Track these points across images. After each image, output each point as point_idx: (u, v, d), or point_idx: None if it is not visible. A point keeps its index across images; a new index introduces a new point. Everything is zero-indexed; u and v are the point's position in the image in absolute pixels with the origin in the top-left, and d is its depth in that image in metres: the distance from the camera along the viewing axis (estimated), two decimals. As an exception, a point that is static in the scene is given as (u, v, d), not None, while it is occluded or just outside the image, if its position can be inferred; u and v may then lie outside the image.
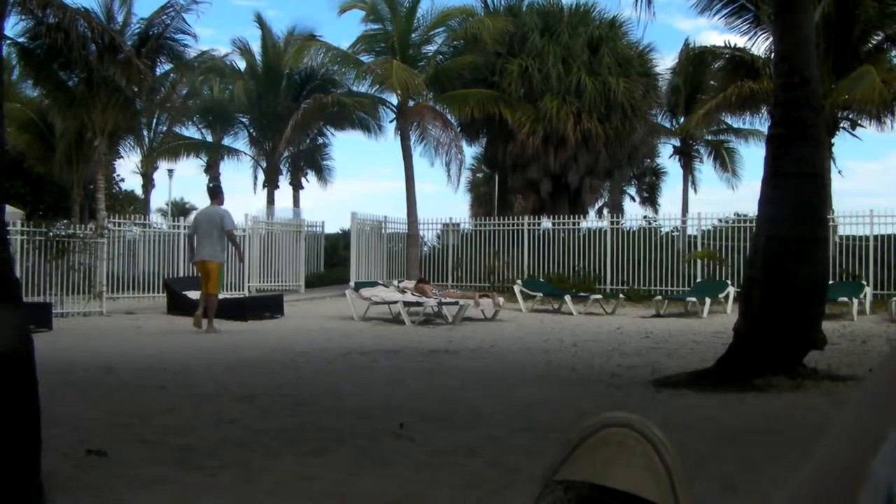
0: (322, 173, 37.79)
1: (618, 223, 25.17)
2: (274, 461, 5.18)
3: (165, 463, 5.10)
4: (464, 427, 6.27)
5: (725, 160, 37.18)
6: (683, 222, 25.84)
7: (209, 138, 37.02)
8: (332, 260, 30.24)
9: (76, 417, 6.41)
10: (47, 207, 31.36)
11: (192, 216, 19.89)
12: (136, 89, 25.29)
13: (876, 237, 20.73)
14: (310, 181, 38.27)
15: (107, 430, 6.06)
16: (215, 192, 14.93)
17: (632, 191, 47.33)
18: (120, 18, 25.88)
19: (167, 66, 27.03)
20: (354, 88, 29.06)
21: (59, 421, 5.79)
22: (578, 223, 25.26)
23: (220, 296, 15.55)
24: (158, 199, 68.45)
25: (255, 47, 34.29)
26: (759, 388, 7.76)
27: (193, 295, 17.97)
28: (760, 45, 24.83)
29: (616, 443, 0.73)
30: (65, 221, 21.39)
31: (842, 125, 24.30)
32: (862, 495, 0.50)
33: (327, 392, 7.99)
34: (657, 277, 22.48)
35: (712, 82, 30.16)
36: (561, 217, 25.07)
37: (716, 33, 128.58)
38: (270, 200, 33.53)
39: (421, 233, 26.86)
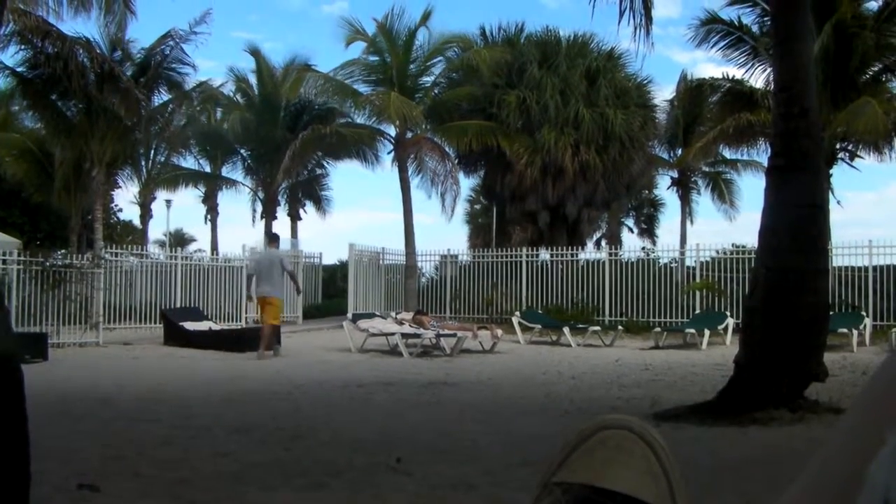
0: (320, 204, 37.82)
1: (616, 254, 25.15)
2: (269, 495, 5.11)
3: (159, 497, 5.03)
4: (462, 461, 6.20)
5: (723, 191, 37.25)
6: (682, 253, 25.83)
7: (207, 169, 37.08)
8: (329, 291, 30.19)
9: (69, 449, 6.34)
10: (45, 237, 31.38)
11: (196, 252, 20.15)
12: (134, 119, 25.34)
13: (875, 268, 20.73)
14: (308, 212, 38.33)
15: (100, 462, 5.99)
16: (273, 238, 17.38)
17: (630, 222, 47.46)
18: (134, 56, 26.01)
19: (166, 97, 27.13)
20: (353, 119, 29.16)
21: (51, 453, 5.72)
22: (577, 254, 25.25)
23: (217, 327, 17.47)
24: (156, 230, 68.49)
25: (253, 78, 34.40)
26: (761, 420, 7.70)
27: (190, 326, 17.99)
28: (758, 77, 25.01)
29: (614, 445, 0.73)
30: (62, 251, 21.33)
31: (840, 156, 24.37)
32: (859, 500, 0.49)
33: (324, 425, 7.92)
34: (656, 309, 22.46)
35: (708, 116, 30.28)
36: (559, 248, 25.06)
37: (713, 66, 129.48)
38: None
39: (419, 264, 26.86)
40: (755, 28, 24.60)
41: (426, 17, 27.10)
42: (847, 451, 0.55)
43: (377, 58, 27.57)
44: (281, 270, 16.32)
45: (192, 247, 51.03)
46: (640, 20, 11.36)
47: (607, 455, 0.72)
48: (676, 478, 0.72)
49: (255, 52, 34.17)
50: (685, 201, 36.82)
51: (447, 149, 28.62)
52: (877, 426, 0.51)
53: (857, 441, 0.54)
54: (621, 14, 11.26)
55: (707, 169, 37.03)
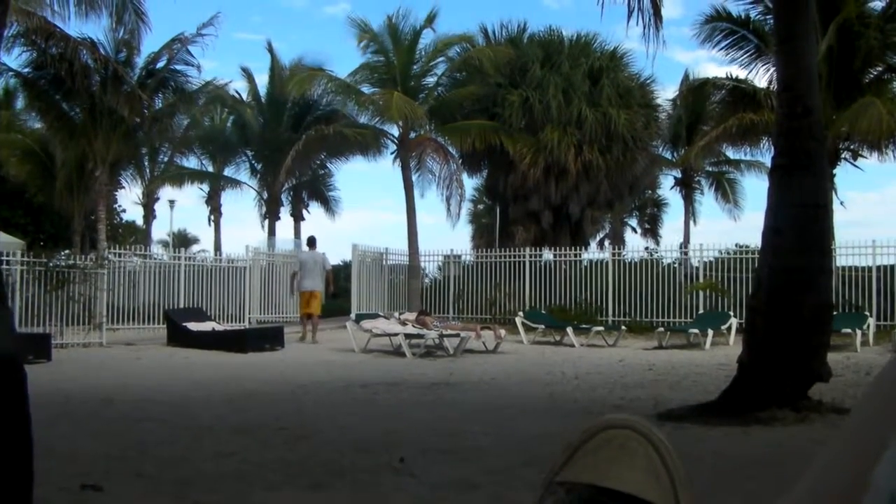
0: (329, 204, 37.78)
1: (619, 254, 25.14)
2: (273, 495, 5.11)
3: (162, 497, 5.03)
4: (465, 461, 6.19)
5: (727, 191, 37.30)
6: (685, 253, 25.78)
7: (210, 169, 37.12)
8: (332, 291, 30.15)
9: (72, 449, 6.34)
10: (48, 237, 31.37)
11: (199, 253, 20.60)
12: (138, 120, 25.35)
13: (879, 268, 20.68)
14: (311, 212, 38.32)
15: (104, 462, 5.99)
16: (312, 242, 19.78)
17: (633, 222, 47.44)
18: (140, 59, 25.99)
19: (170, 97, 27.09)
20: (356, 119, 29.16)
21: (54, 453, 5.72)
22: (580, 254, 25.21)
23: (220, 328, 18.49)
24: (159, 230, 68.52)
25: (259, 79, 34.54)
26: (764, 420, 7.68)
27: (193, 326, 18.01)
28: (761, 77, 24.97)
29: (618, 444, 0.73)
30: (65, 252, 21.34)
31: (843, 156, 24.33)
32: (864, 503, 0.49)
33: (327, 425, 7.91)
34: (659, 309, 22.42)
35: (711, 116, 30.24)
36: (562, 248, 25.02)
37: (714, 65, 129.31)
38: (272, 231, 33.54)
39: (422, 264, 26.84)
40: (760, 23, 24.52)
41: (431, 18, 27.17)
42: (851, 455, 0.55)
43: (381, 58, 27.56)
44: (322, 268, 19.00)
45: (195, 247, 51.11)
46: (650, 19, 11.30)
47: (611, 455, 0.72)
48: (680, 477, 0.72)
49: (270, 49, 34.40)
50: (688, 201, 36.86)
51: (451, 149, 28.61)
52: (880, 430, 0.51)
53: (861, 444, 0.54)
54: (630, 14, 11.19)
55: (710, 169, 37.08)
